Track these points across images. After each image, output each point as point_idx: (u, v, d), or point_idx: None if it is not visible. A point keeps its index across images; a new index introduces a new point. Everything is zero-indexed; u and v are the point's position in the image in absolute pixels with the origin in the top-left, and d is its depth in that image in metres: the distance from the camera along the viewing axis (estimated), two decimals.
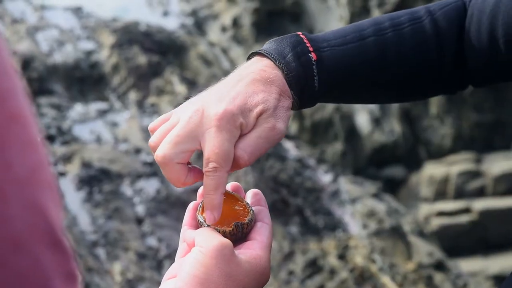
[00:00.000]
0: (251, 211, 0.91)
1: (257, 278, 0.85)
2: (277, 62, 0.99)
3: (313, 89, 1.03)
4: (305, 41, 1.02)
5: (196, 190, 0.92)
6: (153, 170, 3.76)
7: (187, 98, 3.57)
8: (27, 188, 0.41)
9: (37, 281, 0.42)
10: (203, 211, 0.91)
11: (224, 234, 0.87)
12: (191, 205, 0.94)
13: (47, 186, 0.43)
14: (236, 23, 5.61)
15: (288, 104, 0.98)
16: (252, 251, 0.86)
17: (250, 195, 0.96)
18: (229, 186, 0.96)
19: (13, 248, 0.40)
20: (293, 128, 5.21)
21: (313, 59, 1.01)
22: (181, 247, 0.90)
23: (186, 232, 0.90)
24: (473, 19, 1.09)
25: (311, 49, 1.01)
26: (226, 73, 4.15)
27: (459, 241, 4.05)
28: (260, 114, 0.94)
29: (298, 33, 1.04)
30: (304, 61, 1.00)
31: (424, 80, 1.16)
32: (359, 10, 5.50)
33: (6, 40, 0.43)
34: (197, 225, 0.91)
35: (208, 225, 0.89)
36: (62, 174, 3.62)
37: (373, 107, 5.52)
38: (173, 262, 0.88)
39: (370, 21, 1.10)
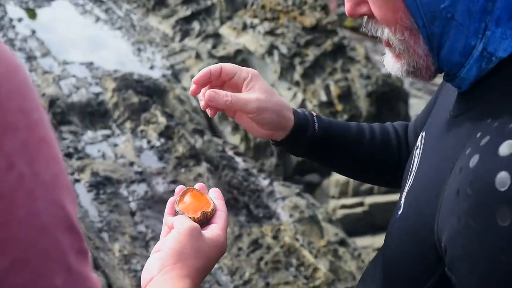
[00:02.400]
0: (213, 203, 0.90)
1: (217, 251, 0.84)
2: (292, 111, 1.00)
3: (312, 130, 0.99)
4: (311, 111, 1.03)
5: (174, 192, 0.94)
6: (142, 177, 3.72)
7: (167, 128, 3.55)
8: (51, 190, 0.41)
9: (58, 256, 0.42)
10: (179, 203, 0.89)
11: (194, 220, 0.86)
12: (171, 199, 0.92)
13: (65, 188, 0.43)
14: None
15: None
16: (213, 231, 0.85)
17: (212, 192, 0.94)
18: (197, 186, 0.94)
19: (40, 232, 0.40)
20: (241, 147, 5.22)
21: (313, 114, 1.01)
22: (164, 229, 0.88)
23: (167, 218, 0.88)
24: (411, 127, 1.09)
25: (314, 113, 1.02)
26: (194, 109, 4.12)
27: (355, 226, 4.07)
28: None
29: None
30: (309, 114, 1.01)
31: (389, 163, 1.08)
32: (287, 66, 5.55)
33: (35, 86, 0.44)
34: (175, 213, 0.89)
35: (182, 213, 0.88)
36: (77, 180, 3.55)
37: None
38: (158, 241, 0.88)
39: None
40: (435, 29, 0.67)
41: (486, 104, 0.67)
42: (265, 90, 0.96)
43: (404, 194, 0.80)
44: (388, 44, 0.74)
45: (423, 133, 0.85)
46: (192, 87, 0.96)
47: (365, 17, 0.75)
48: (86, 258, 0.44)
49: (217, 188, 0.95)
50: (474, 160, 0.61)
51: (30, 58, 5.48)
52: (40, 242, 0.39)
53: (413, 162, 0.83)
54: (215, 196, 0.93)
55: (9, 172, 0.37)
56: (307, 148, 1.02)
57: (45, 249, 0.40)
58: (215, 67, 0.96)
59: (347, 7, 0.74)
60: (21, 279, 0.38)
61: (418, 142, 0.85)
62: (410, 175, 0.82)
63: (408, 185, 0.80)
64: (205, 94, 0.93)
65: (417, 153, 0.83)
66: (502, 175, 0.57)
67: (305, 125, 0.99)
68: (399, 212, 0.79)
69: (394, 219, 0.80)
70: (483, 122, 0.65)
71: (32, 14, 7.18)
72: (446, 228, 0.64)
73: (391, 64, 0.76)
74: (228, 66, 0.97)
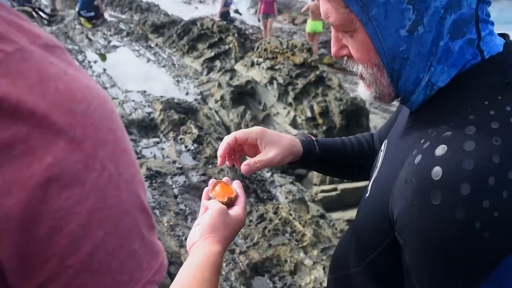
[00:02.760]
0: (235, 191, 0.89)
1: (239, 224, 0.82)
2: (299, 139, 0.95)
3: (315, 152, 0.95)
4: (310, 136, 1.00)
5: (205, 181, 0.98)
6: (182, 171, 3.71)
7: (198, 136, 3.56)
8: (131, 184, 0.40)
9: (136, 229, 0.41)
10: (211, 191, 0.88)
11: (222, 203, 0.85)
12: (206, 189, 0.90)
13: (140, 183, 0.42)
14: (222, 97, 5.45)
15: None
16: (236, 211, 0.84)
17: (234, 183, 0.93)
18: (224, 179, 0.92)
19: (124, 213, 0.39)
20: None
21: (313, 139, 0.98)
22: (201, 209, 0.86)
23: (204, 202, 0.87)
24: (376, 136, 1.06)
25: (313, 138, 0.99)
26: (217, 123, 4.12)
27: (331, 204, 3.94)
28: None
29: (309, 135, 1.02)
30: (310, 140, 0.97)
31: (364, 164, 1.01)
32: (283, 92, 5.43)
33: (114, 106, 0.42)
34: (209, 198, 0.88)
35: (214, 198, 0.86)
36: None
37: None
38: (193, 217, 0.88)
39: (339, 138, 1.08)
40: (395, 66, 0.66)
41: (429, 120, 0.66)
42: (276, 142, 0.90)
43: (371, 182, 0.79)
44: (362, 77, 0.71)
45: (386, 141, 0.83)
46: (219, 159, 0.90)
47: (345, 58, 0.73)
48: (154, 230, 0.43)
49: (238, 181, 0.93)
50: (418, 158, 0.60)
51: (103, 88, 5.45)
52: (124, 220, 0.39)
53: (378, 160, 0.81)
54: (237, 186, 0.92)
55: (103, 172, 0.37)
56: (311, 164, 0.98)
57: (127, 224, 0.39)
58: (230, 137, 0.89)
59: (333, 50, 0.72)
60: (112, 245, 0.38)
61: (382, 147, 0.83)
62: (375, 169, 0.80)
63: (374, 176, 0.79)
64: (241, 169, 0.87)
65: (381, 155, 0.81)
66: (437, 169, 0.57)
67: (310, 150, 0.95)
68: (367, 195, 0.77)
69: (363, 200, 0.78)
70: (426, 132, 0.63)
71: (103, 57, 7.20)
72: (397, 206, 0.63)
73: (363, 92, 0.73)
74: (240, 134, 0.90)
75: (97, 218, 0.36)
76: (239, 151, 0.92)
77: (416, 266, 0.61)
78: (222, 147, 0.89)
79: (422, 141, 0.62)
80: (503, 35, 0.68)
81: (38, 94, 0.33)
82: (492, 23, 0.65)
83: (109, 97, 0.40)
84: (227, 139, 0.89)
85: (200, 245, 0.75)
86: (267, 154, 0.88)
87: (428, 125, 0.64)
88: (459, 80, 0.64)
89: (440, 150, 0.58)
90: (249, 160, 0.87)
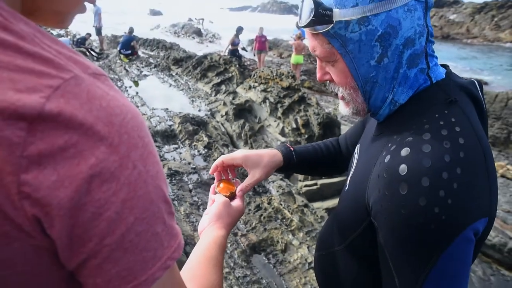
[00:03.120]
0: (236, 187, 0.86)
1: (239, 213, 0.80)
2: (280, 151, 0.91)
3: (293, 160, 0.93)
4: (288, 146, 0.95)
5: (213, 179, 0.89)
6: (195, 170, 3.66)
7: (208, 143, 3.42)
8: (155, 179, 0.38)
9: (159, 215, 0.39)
10: (217, 187, 0.86)
11: (226, 196, 0.82)
12: (212, 185, 0.87)
13: (162, 178, 0.40)
14: (226, 113, 5.44)
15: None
16: (237, 203, 0.82)
17: (235, 181, 0.89)
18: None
19: (150, 203, 0.38)
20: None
21: (291, 149, 0.94)
22: (209, 202, 0.83)
23: (211, 195, 0.85)
24: (341, 139, 1.03)
25: (291, 148, 0.94)
26: (223, 133, 4.02)
27: (313, 196, 3.94)
28: None
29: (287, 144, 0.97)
30: (289, 150, 0.93)
31: (332, 164, 0.99)
32: (273, 108, 5.48)
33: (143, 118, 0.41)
34: (215, 193, 0.85)
35: (219, 193, 0.83)
36: None
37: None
38: (204, 207, 0.83)
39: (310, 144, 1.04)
40: (367, 88, 0.66)
41: (393, 128, 0.66)
42: (258, 163, 0.86)
43: (349, 178, 0.78)
44: (342, 98, 0.70)
45: (358, 145, 0.81)
46: (212, 175, 0.90)
47: (328, 81, 0.71)
48: (173, 217, 0.42)
49: (238, 179, 0.92)
50: (387, 158, 0.60)
51: (135, 107, 5.47)
52: (150, 208, 0.38)
53: (354, 160, 0.80)
54: (237, 183, 0.90)
55: (134, 170, 0.36)
56: (291, 170, 0.96)
57: (153, 211, 0.38)
58: (219, 161, 0.87)
59: (318, 76, 0.70)
60: (140, 228, 0.37)
61: (356, 150, 0.80)
62: (352, 168, 0.79)
63: (351, 173, 0.77)
64: (237, 194, 0.84)
65: (356, 156, 0.79)
66: (403, 166, 0.57)
67: (289, 159, 0.93)
68: (346, 188, 0.76)
69: (343, 192, 0.77)
70: (392, 138, 0.64)
71: (136, 83, 7.28)
72: (372, 196, 0.62)
73: (343, 109, 0.72)
74: (226, 159, 0.87)
75: (128, 206, 0.36)
76: (230, 166, 0.89)
77: (388, 244, 0.59)
78: (212, 167, 0.89)
79: (389, 144, 0.62)
80: (444, 66, 0.70)
81: (86, 110, 0.34)
82: (436, 57, 0.67)
83: (139, 112, 0.40)
84: (217, 162, 0.88)
85: (209, 230, 0.74)
86: (254, 176, 0.87)
87: (393, 132, 0.65)
88: (415, 99, 0.66)
89: (404, 151, 0.58)
90: (241, 186, 0.86)
